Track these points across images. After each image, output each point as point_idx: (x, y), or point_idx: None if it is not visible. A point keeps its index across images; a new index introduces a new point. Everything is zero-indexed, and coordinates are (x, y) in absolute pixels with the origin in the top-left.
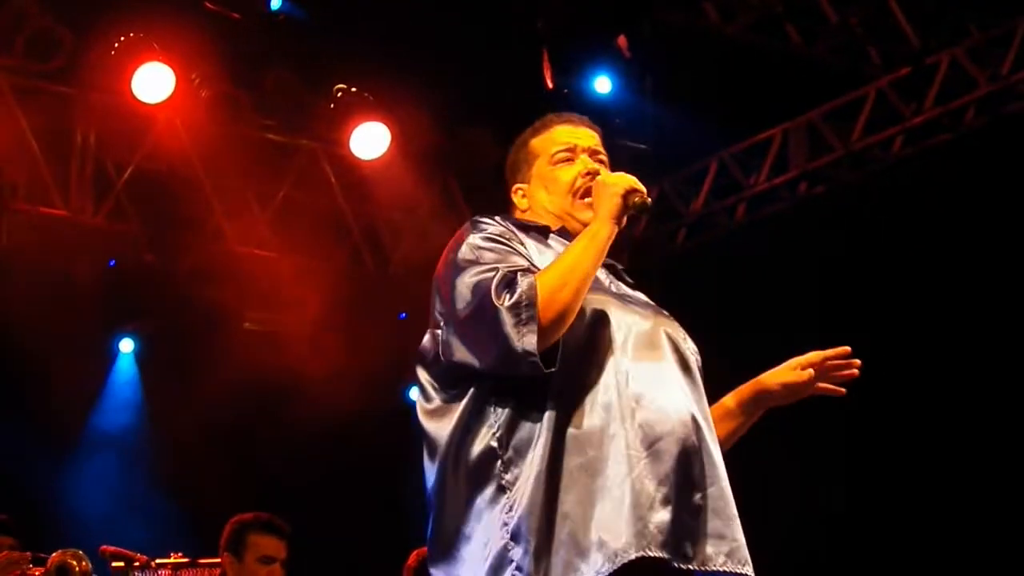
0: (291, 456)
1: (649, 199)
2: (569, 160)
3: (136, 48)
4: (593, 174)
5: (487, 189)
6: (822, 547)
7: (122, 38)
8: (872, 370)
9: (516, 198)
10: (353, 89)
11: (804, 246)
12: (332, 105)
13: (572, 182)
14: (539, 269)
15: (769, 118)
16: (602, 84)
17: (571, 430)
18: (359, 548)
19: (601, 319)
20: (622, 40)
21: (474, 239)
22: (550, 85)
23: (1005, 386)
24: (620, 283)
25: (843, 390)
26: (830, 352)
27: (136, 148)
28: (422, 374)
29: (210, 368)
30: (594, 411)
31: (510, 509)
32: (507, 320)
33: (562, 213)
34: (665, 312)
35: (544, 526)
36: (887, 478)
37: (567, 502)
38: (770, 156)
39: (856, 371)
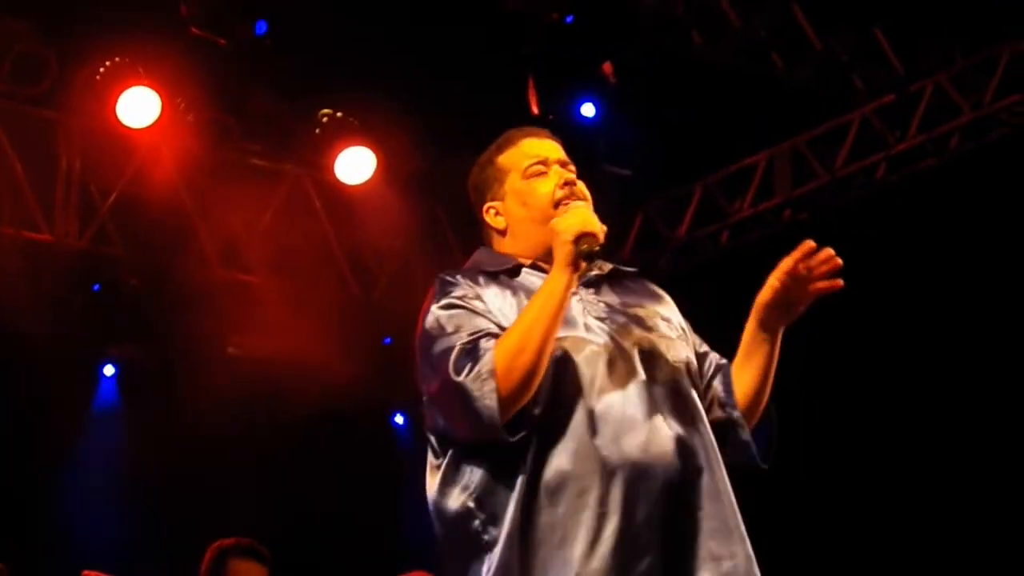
0: (274, 482)
1: (597, 246)
2: (542, 173)
3: (122, 73)
4: (570, 183)
5: (472, 215)
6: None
7: (108, 63)
8: (856, 394)
9: (489, 217)
10: (339, 114)
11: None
12: (317, 130)
13: (551, 193)
14: (501, 330)
15: (753, 144)
16: (587, 110)
17: (542, 487)
18: (348, 565)
19: (567, 367)
20: (607, 66)
21: (436, 308)
22: (536, 111)
23: (986, 409)
24: (600, 302)
25: (839, 282)
26: (796, 254)
27: (121, 173)
28: (427, 426)
29: (193, 393)
30: (563, 465)
31: (488, 569)
32: (470, 393)
33: (542, 229)
34: (649, 308)
35: None
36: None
37: (543, 562)
38: (754, 182)
39: (837, 260)
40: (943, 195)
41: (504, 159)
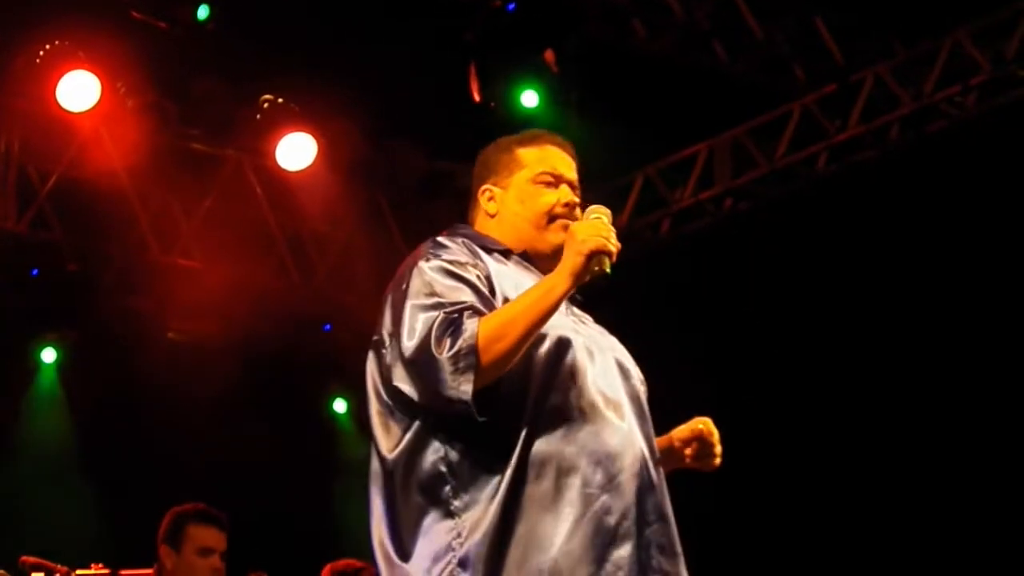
0: (214, 468)
1: (608, 268)
2: (551, 184)
3: (62, 56)
4: (571, 206)
5: (413, 200)
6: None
7: (48, 46)
8: (797, 387)
9: (483, 199)
10: (279, 100)
11: (729, 262)
12: (258, 115)
13: (551, 207)
14: (490, 302)
15: (694, 134)
16: (528, 98)
17: (529, 463)
18: (281, 561)
19: (560, 348)
20: (549, 54)
21: (428, 269)
22: (477, 98)
23: (934, 396)
24: (574, 307)
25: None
26: (696, 432)
27: (60, 157)
28: (373, 371)
29: (133, 378)
30: (552, 445)
31: (459, 535)
32: (445, 368)
33: (531, 231)
34: (613, 338)
35: (495, 557)
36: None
37: (522, 535)
38: (695, 172)
39: (716, 460)
40: (884, 185)
41: (524, 153)
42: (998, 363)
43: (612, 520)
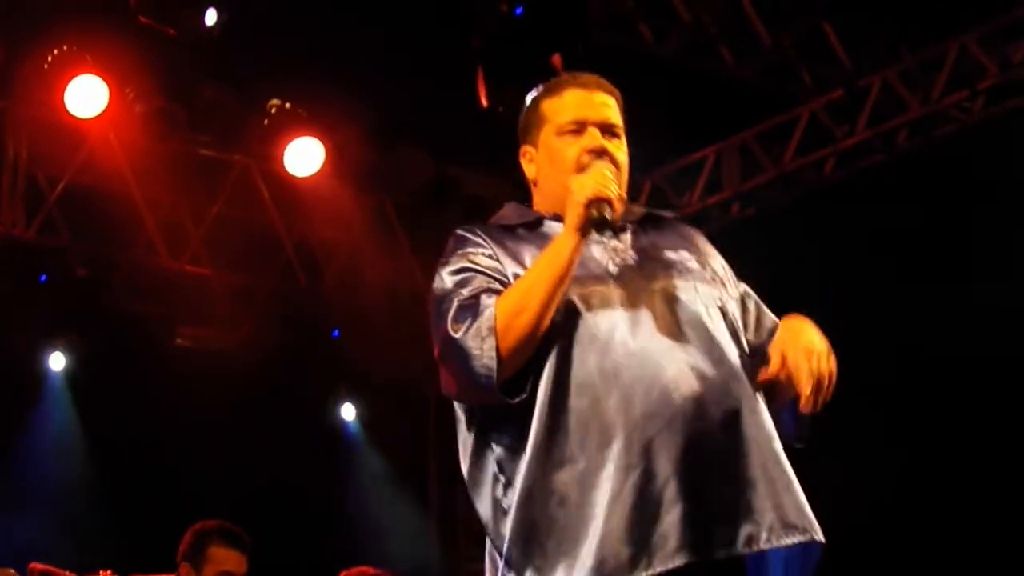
0: (222, 474)
1: (610, 214)
2: (575, 132)
3: (70, 61)
4: (598, 151)
5: (422, 206)
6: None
7: (56, 51)
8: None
9: (524, 162)
10: (287, 105)
11: (735, 267)
12: (266, 121)
13: (576, 159)
14: (504, 287)
15: (702, 139)
16: None
17: (558, 443)
18: (292, 568)
19: (582, 317)
20: (556, 59)
21: (443, 268)
22: (485, 103)
23: (933, 409)
24: (628, 249)
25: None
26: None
27: (69, 162)
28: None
29: (142, 384)
30: (581, 420)
31: (507, 535)
32: (467, 350)
33: (564, 191)
34: (684, 261)
35: (533, 552)
36: None
37: (557, 523)
38: (703, 176)
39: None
40: (891, 190)
41: (546, 106)
42: (1008, 369)
43: (655, 487)
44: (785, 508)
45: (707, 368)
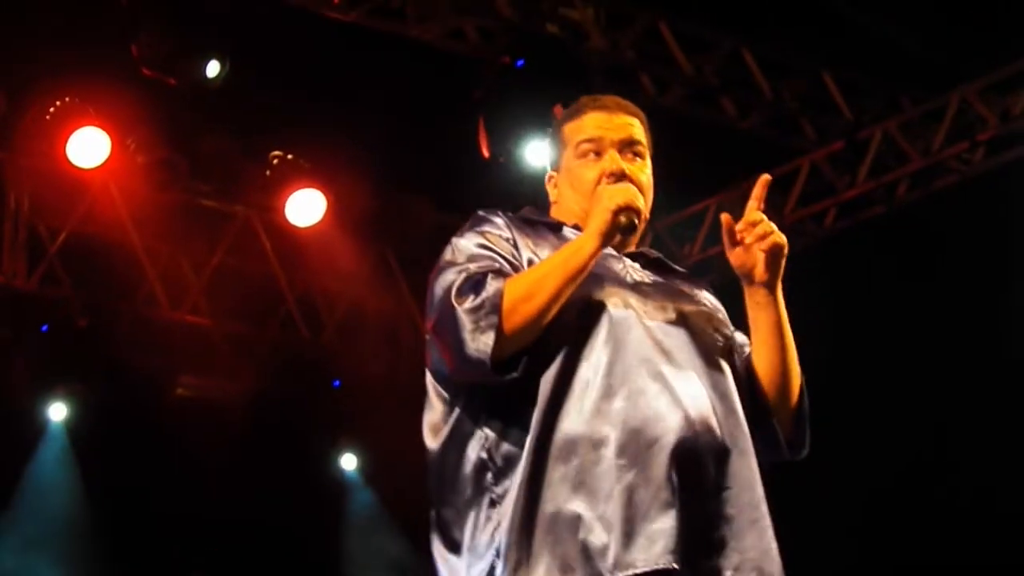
0: (223, 524)
1: (636, 222)
2: (596, 154)
3: (72, 112)
4: (617, 175)
5: (423, 256)
6: None
7: (58, 102)
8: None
9: (549, 187)
10: (289, 156)
11: (737, 318)
12: (268, 172)
13: (596, 181)
14: (519, 271)
15: (703, 189)
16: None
17: (556, 438)
18: None
19: (595, 316)
20: (558, 110)
21: (460, 237)
22: (486, 154)
23: (925, 456)
24: (644, 271)
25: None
26: (735, 226)
27: (70, 213)
28: (428, 380)
29: (143, 434)
30: (581, 416)
31: (498, 526)
32: (465, 323)
33: (584, 215)
34: (697, 290)
35: (524, 543)
36: None
37: (548, 517)
38: (704, 227)
39: (765, 238)
40: (892, 241)
41: (568, 129)
42: (991, 416)
43: (647, 491)
44: (751, 553)
45: (712, 397)
